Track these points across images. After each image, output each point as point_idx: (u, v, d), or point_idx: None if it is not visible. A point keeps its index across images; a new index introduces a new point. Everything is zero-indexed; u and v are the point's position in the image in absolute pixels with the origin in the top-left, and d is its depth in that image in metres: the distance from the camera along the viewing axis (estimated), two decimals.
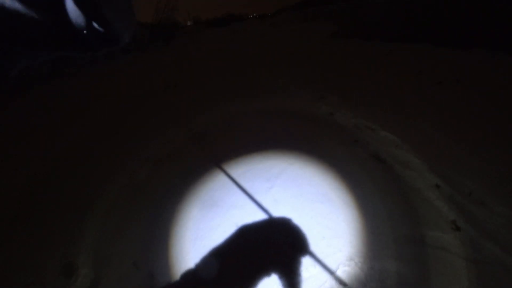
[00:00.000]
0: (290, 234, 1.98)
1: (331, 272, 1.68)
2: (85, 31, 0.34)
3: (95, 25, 0.35)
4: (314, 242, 1.89)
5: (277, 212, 2.18)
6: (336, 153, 2.86)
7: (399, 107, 3.73)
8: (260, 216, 2.16)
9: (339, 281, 1.63)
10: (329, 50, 7.91)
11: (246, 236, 2.01)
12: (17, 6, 0.30)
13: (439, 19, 8.62)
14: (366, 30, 10.16)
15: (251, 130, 3.55)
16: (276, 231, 2.02)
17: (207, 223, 2.17)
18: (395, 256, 1.74)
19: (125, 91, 6.30)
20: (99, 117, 4.83)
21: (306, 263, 1.75)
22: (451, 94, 3.94)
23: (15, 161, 3.61)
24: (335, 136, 3.21)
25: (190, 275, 1.79)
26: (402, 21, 9.75)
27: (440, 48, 6.54)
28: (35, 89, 7.64)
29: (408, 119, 3.37)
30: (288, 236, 1.96)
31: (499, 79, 4.25)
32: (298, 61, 7.07)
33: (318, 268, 1.71)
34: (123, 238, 2.18)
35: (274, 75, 5.92)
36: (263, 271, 1.73)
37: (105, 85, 7.25)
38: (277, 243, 1.91)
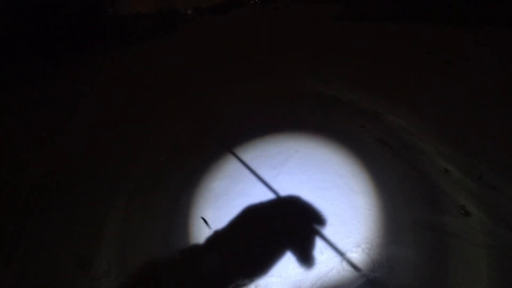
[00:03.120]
0: (297, 221, 1.98)
1: (339, 259, 1.68)
2: None
3: None
4: (320, 228, 1.89)
5: (284, 199, 2.18)
6: (342, 139, 2.82)
7: (407, 89, 3.64)
8: (267, 203, 2.16)
9: (347, 267, 1.63)
10: (333, 32, 7.70)
11: (253, 224, 2.02)
12: None
13: None
14: (372, 11, 9.81)
15: (255, 117, 3.52)
16: (283, 218, 2.02)
17: (215, 212, 2.18)
18: (403, 242, 1.73)
19: (130, 82, 6.28)
20: (107, 109, 4.84)
21: (313, 250, 1.76)
22: (460, 74, 3.81)
23: (30, 154, 3.66)
24: (341, 122, 3.16)
25: (197, 265, 1.82)
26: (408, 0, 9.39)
27: (449, 26, 6.30)
28: (41, 85, 7.67)
29: (415, 102, 3.29)
30: (295, 223, 1.96)
31: (510, 56, 4.09)
32: (301, 45, 6.91)
33: (325, 255, 1.71)
34: (135, 230, 2.21)
35: (277, 61, 5.81)
36: (271, 259, 1.75)
37: (110, 77, 7.23)
38: (284, 230, 1.92)
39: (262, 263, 1.73)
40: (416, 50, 5.11)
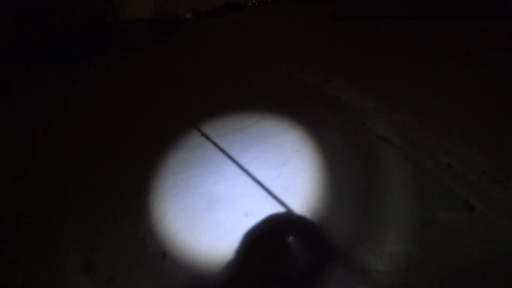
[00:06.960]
0: (299, 223, 1.97)
1: (342, 257, 1.67)
2: None
3: None
4: (323, 227, 1.88)
5: (285, 199, 2.17)
6: (343, 137, 2.81)
7: (408, 86, 3.62)
8: (268, 204, 2.16)
9: (351, 265, 1.62)
10: (333, 31, 7.68)
11: (255, 227, 2.02)
12: None
13: None
14: (372, 8, 9.79)
15: (256, 118, 3.52)
16: (285, 221, 2.02)
17: (215, 215, 2.18)
18: (407, 238, 1.72)
19: (132, 89, 6.31)
20: (109, 116, 4.87)
21: (313, 250, 1.75)
22: (461, 69, 3.78)
23: (36, 162, 3.69)
24: (342, 120, 3.14)
25: (201, 268, 1.82)
26: None
27: (449, 22, 6.26)
28: (46, 93, 7.76)
29: (417, 98, 3.27)
30: (297, 225, 1.95)
31: (510, 50, 4.06)
32: (301, 45, 6.91)
33: (327, 253, 1.70)
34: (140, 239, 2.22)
35: (278, 62, 5.81)
36: (272, 263, 1.74)
37: (112, 84, 7.29)
38: (287, 232, 1.92)
39: (263, 269, 1.73)
40: (417, 47, 5.08)
